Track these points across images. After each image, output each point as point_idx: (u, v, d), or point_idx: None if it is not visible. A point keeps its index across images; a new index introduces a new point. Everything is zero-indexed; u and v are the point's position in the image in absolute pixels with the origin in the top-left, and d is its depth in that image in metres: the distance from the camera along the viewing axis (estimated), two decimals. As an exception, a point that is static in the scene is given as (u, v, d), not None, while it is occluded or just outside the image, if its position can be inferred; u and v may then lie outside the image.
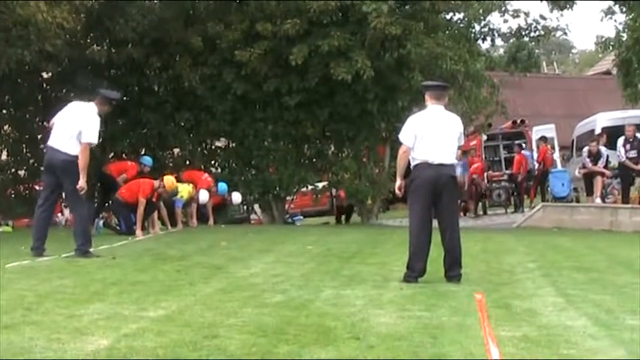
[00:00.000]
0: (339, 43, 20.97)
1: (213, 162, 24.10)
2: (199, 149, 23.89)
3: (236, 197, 21.54)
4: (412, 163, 9.80)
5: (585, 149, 22.78)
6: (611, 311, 7.79)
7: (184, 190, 19.19)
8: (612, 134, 23.42)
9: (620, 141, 21.48)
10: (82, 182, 11.76)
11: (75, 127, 11.84)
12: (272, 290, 8.86)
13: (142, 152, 22.86)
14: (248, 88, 22.35)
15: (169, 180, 18.25)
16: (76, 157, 11.79)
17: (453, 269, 9.68)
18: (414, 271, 9.60)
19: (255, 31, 21.58)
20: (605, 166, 22.02)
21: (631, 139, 21.36)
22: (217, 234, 16.78)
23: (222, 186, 20.83)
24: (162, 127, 22.92)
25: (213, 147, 24.53)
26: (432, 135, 9.67)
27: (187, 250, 13.35)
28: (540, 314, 7.61)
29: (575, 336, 6.56)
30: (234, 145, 23.81)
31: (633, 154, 21.04)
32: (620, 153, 21.33)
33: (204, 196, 19.86)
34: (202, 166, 23.13)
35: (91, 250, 12.26)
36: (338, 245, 14.64)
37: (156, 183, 17.91)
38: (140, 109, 22.91)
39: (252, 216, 25.34)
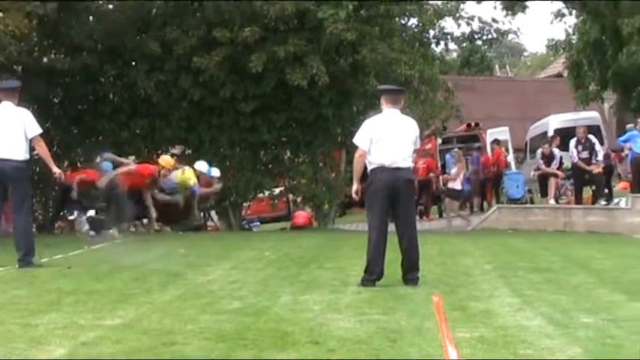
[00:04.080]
0: (294, 49, 21.00)
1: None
2: (155, 157, 23.77)
3: (215, 171, 21.12)
4: (368, 167, 9.84)
5: (539, 151, 23.01)
6: (566, 310, 7.89)
7: (189, 175, 19.08)
8: (565, 136, 23.68)
9: (573, 142, 21.73)
10: (55, 169, 12.02)
11: (16, 130, 11.66)
12: (230, 296, 8.86)
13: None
14: (204, 95, 22.28)
15: (166, 159, 18.12)
16: (25, 162, 11.73)
17: (410, 272, 9.73)
18: (372, 275, 9.64)
19: (212, 37, 21.54)
20: (559, 168, 22.28)
21: (583, 141, 21.61)
22: (174, 241, 16.72)
23: (210, 169, 20.59)
24: (118, 135, 22.76)
25: (169, 154, 24.40)
26: (388, 139, 9.72)
27: (144, 258, 13.27)
28: (497, 315, 7.69)
29: (531, 336, 6.64)
30: (190, 151, 23.71)
31: (585, 155, 21.29)
32: (573, 154, 21.57)
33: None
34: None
35: (34, 260, 12.01)
36: (295, 250, 14.64)
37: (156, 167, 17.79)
38: (95, 118, 22.74)
39: (209, 223, 25.26)
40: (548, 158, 22.32)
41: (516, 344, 6.32)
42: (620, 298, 8.87)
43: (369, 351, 6.03)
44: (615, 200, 21.61)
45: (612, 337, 6.58)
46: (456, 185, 23.40)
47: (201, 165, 20.28)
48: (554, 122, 28.88)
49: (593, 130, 24.62)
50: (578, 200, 21.57)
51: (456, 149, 25.81)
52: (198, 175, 19.77)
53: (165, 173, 17.81)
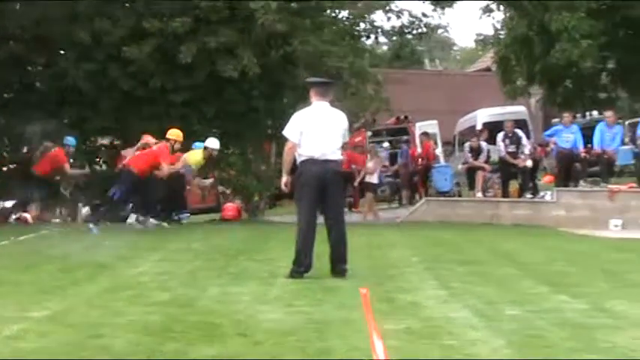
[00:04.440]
0: (225, 40, 20.92)
1: (97, 159, 23.74)
2: (83, 147, 23.50)
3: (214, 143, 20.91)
4: (298, 159, 9.88)
5: (467, 144, 23.26)
6: (492, 302, 8.02)
7: (191, 157, 19.00)
8: (492, 130, 23.98)
9: (500, 136, 22.02)
10: None
11: None
12: (158, 288, 8.83)
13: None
14: (134, 85, 22.07)
15: (175, 132, 17.98)
16: None
17: (338, 264, 9.80)
18: (300, 267, 9.68)
19: (141, 27, 21.34)
20: (486, 161, 22.54)
21: (510, 135, 21.90)
22: (102, 232, 16.55)
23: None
24: (45, 124, 22.44)
25: (97, 144, 24.17)
26: (317, 131, 9.77)
27: (72, 249, 13.15)
28: (423, 307, 7.79)
29: (457, 327, 6.74)
30: (119, 142, 23.49)
31: (512, 148, 21.57)
32: (500, 148, 21.86)
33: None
34: (87, 164, 22.83)
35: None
36: (224, 242, 14.64)
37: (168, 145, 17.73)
38: (22, 106, 22.39)
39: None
40: (476, 152, 22.58)
41: (442, 336, 6.41)
42: (544, 290, 9.04)
43: (296, 342, 6.07)
44: (541, 194, 21.94)
45: (536, 329, 6.71)
46: (373, 179, 23.52)
47: (213, 142, 20.22)
48: (482, 116, 29.25)
49: (520, 124, 24.99)
50: (505, 193, 21.85)
51: (372, 144, 25.95)
52: (211, 153, 19.89)
53: (178, 147, 17.75)
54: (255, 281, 9.44)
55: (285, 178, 10.18)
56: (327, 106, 10.03)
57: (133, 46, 21.13)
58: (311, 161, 9.74)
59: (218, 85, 22.15)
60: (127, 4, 22.29)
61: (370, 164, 23.79)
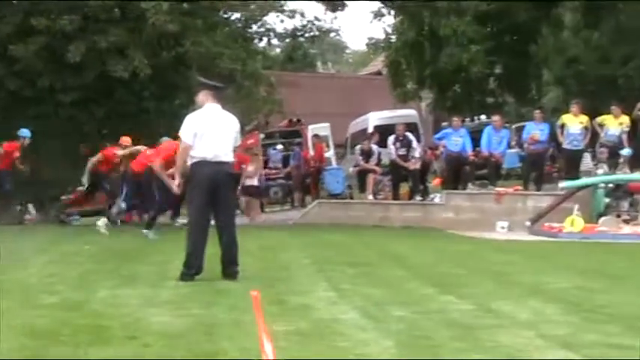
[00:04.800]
0: (116, 39, 20.68)
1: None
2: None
3: None
4: (190, 161, 9.84)
5: (358, 147, 23.48)
6: (381, 304, 8.13)
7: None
8: (383, 132, 24.26)
9: (391, 139, 22.31)
10: None
11: None
12: (47, 291, 8.70)
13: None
14: (21, 84, 21.64)
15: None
16: None
17: (229, 267, 9.80)
18: (191, 269, 9.65)
19: (29, 25, 20.92)
20: (377, 164, 22.78)
21: (401, 138, 22.21)
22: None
23: None
24: None
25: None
26: (211, 133, 9.76)
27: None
28: (314, 309, 7.85)
29: (346, 328, 6.82)
30: (4, 142, 22.97)
31: (403, 151, 21.87)
32: (391, 151, 22.15)
33: None
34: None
35: None
36: (116, 245, 14.48)
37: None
38: None
39: (27, 216, 24.55)
40: (367, 154, 22.81)
41: (331, 337, 6.48)
42: (431, 291, 9.20)
43: (186, 345, 6.06)
44: (430, 196, 22.30)
45: (423, 329, 6.83)
46: (253, 182, 23.54)
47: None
48: (373, 119, 29.53)
49: (411, 127, 25.33)
50: (396, 196, 22.13)
51: (253, 148, 25.90)
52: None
53: None
54: (146, 284, 9.37)
55: (177, 180, 10.13)
56: (219, 109, 10.03)
57: (19, 45, 20.73)
58: (203, 163, 9.72)
59: (108, 86, 21.89)
60: (13, 1, 21.84)
61: (250, 168, 23.68)
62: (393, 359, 5.82)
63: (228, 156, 9.92)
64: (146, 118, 22.79)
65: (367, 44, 31.06)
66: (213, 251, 9.90)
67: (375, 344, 6.22)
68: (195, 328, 6.69)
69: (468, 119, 27.37)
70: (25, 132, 20.74)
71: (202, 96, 10.09)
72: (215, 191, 9.73)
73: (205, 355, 5.78)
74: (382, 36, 29.57)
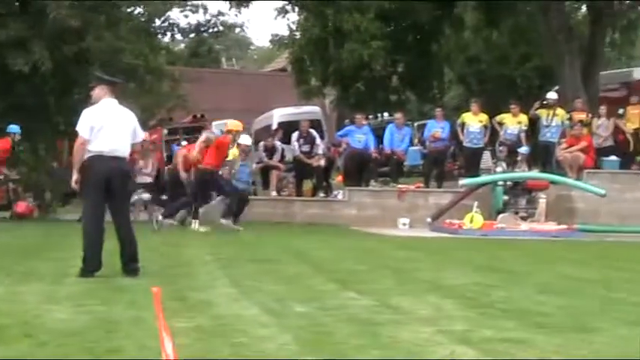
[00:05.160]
0: (16, 33, 20.27)
1: None
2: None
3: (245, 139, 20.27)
4: (86, 156, 9.70)
5: (261, 144, 23.47)
6: (282, 300, 8.16)
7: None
8: (287, 129, 24.31)
9: (295, 136, 22.38)
10: None
11: None
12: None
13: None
14: None
15: (234, 123, 17.95)
16: None
17: (130, 263, 9.71)
18: (90, 266, 9.54)
19: None
20: (281, 160, 22.81)
21: (305, 134, 22.29)
22: None
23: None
24: None
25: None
26: (108, 128, 9.66)
27: None
28: (215, 305, 7.84)
29: (246, 325, 6.83)
30: None
31: (306, 148, 21.95)
32: (295, 147, 22.22)
33: None
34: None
35: None
36: (14, 241, 14.24)
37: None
38: None
39: None
40: (271, 151, 22.82)
41: (232, 333, 6.48)
42: (332, 287, 9.28)
43: (84, 343, 5.99)
44: (334, 193, 22.43)
45: (323, 325, 6.88)
46: (147, 178, 23.32)
47: (246, 139, 19.77)
48: (277, 116, 29.55)
49: (315, 124, 25.43)
50: (299, 192, 22.20)
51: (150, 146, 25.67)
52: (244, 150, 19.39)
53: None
54: (45, 281, 9.23)
55: (75, 176, 9.99)
56: (115, 104, 9.94)
57: None
58: (99, 157, 9.61)
59: (8, 80, 21.42)
60: None
61: (142, 163, 23.38)
62: (294, 358, 5.83)
63: (124, 152, 9.83)
64: (47, 113, 22.37)
65: (271, 41, 30.99)
66: (114, 247, 9.80)
67: (274, 340, 6.24)
68: (94, 326, 6.62)
69: (371, 117, 27.61)
70: (14, 128, 20.73)
71: (99, 91, 9.97)
72: (110, 187, 9.63)
73: (103, 354, 5.72)
74: (287, 33, 29.57)
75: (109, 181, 9.62)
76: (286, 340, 6.26)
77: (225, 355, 5.78)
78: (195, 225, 17.52)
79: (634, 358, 5.96)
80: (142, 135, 10.31)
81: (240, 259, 12.04)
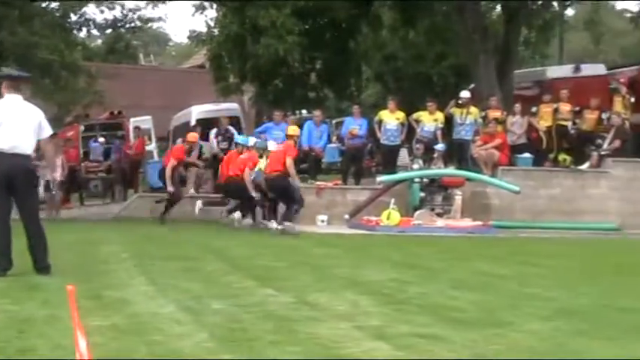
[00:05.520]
0: None
1: None
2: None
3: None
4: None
5: (179, 141, 23.30)
6: (199, 297, 8.14)
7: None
8: (206, 126, 24.19)
9: (213, 133, 22.30)
10: None
11: None
12: None
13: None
14: None
15: (294, 128, 18.95)
16: None
17: (40, 261, 9.57)
18: (0, 265, 9.37)
19: None
20: (199, 157, 22.68)
21: (223, 131, 22.24)
22: None
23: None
24: None
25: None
26: (9, 124, 9.47)
27: None
28: (131, 303, 7.79)
29: (162, 322, 6.80)
30: None
31: (225, 145, 21.88)
32: (213, 144, 22.13)
33: None
34: None
35: None
36: None
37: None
38: None
39: None
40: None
41: (148, 331, 6.45)
42: (250, 284, 9.28)
43: (-4, 343, 5.91)
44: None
45: (240, 322, 6.88)
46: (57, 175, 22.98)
47: (272, 144, 19.36)
48: (196, 112, 29.37)
49: (234, 121, 25.35)
50: (218, 190, 22.08)
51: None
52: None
53: None
54: (-46, 281, 9.06)
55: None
56: (20, 100, 9.76)
57: None
58: (0, 155, 9.43)
59: None
60: None
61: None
62: (210, 358, 5.83)
63: (26, 148, 9.62)
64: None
65: (189, 37, 30.80)
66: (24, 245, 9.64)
67: (190, 338, 6.22)
68: (6, 325, 6.52)
69: (290, 113, 27.60)
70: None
71: (3, 87, 9.78)
72: (13, 185, 9.46)
73: (15, 354, 5.64)
74: (205, 29, 29.43)
75: (11, 178, 9.43)
76: (202, 337, 6.25)
77: (141, 353, 5.74)
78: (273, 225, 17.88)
79: (546, 359, 6.09)
80: (49, 131, 10.09)
81: (158, 256, 11.96)
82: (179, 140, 21.02)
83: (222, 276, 9.98)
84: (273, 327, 6.72)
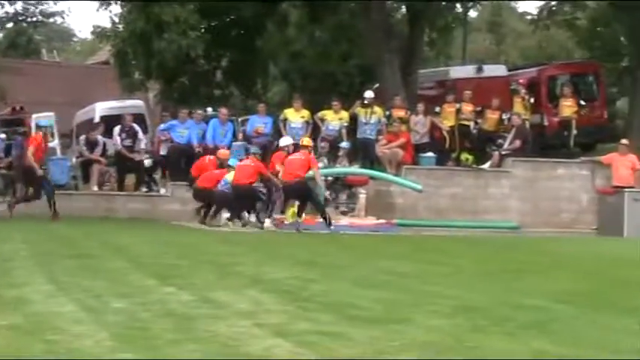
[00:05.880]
0: None
1: None
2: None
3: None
4: None
5: (82, 137, 23.05)
6: (100, 296, 8.06)
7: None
8: (110, 123, 23.94)
9: (117, 130, 22.11)
10: None
11: None
12: None
13: None
14: None
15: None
16: None
17: None
18: None
19: None
20: (103, 155, 22.44)
21: (127, 128, 22.05)
22: None
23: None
24: None
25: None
26: None
27: None
28: (30, 302, 7.67)
29: (62, 322, 6.71)
30: None
31: (128, 142, 21.69)
32: (117, 141, 21.94)
33: None
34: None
35: None
36: None
37: None
38: None
39: None
40: (92, 145, 22.43)
41: (47, 331, 6.35)
42: (152, 282, 9.22)
43: None
44: (157, 188, 22.24)
45: (140, 321, 6.83)
46: None
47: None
48: (100, 109, 29.04)
49: (139, 118, 25.14)
50: (121, 187, 21.92)
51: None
52: None
53: None
54: None
55: None
56: None
57: None
58: None
59: None
60: None
61: None
62: (120, 358, 5.78)
63: None
64: None
65: (93, 33, 30.43)
66: None
67: (90, 337, 6.15)
68: None
69: (201, 111, 27.48)
70: (44, 121, 21.21)
71: None
72: None
73: None
74: (109, 25, 29.13)
75: None
76: (102, 336, 6.19)
77: (38, 353, 5.67)
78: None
79: None
80: None
81: (59, 254, 11.81)
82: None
83: (124, 274, 9.90)
84: (173, 325, 6.69)
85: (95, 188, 21.87)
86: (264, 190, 19.17)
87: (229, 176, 18.96)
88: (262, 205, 19.23)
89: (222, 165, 20.00)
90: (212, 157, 20.46)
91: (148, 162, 21.21)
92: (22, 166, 27.07)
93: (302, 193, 18.70)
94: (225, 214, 19.20)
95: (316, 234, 17.53)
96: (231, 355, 5.73)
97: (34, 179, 19.78)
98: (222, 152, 20.52)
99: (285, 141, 20.57)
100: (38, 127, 27.73)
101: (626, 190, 20.52)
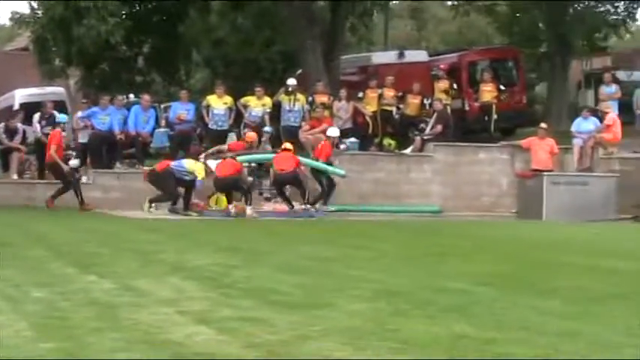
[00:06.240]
0: None
1: None
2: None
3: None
4: None
5: (1, 125, 22.66)
6: (19, 285, 7.98)
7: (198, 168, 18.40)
8: (30, 110, 23.58)
9: (36, 117, 21.82)
10: None
11: None
12: None
13: None
14: None
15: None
16: None
17: None
18: None
19: None
20: (22, 142, 22.10)
21: (47, 115, 21.76)
22: None
23: None
24: None
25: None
26: None
27: None
28: (-54, 293, 7.55)
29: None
30: None
31: (48, 130, 21.39)
32: (37, 129, 21.66)
33: None
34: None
35: None
36: None
37: None
38: None
39: None
40: (12, 132, 22.07)
41: (-36, 322, 6.29)
42: (73, 271, 9.16)
43: None
44: (77, 175, 21.96)
45: (61, 310, 6.78)
46: None
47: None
48: (19, 96, 28.62)
49: (60, 105, 24.81)
50: (42, 175, 21.64)
51: None
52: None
53: None
54: None
55: None
56: None
57: None
58: None
59: None
60: None
61: None
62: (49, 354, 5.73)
63: None
64: None
65: (11, 19, 29.90)
66: None
67: (9, 327, 6.08)
68: None
69: (123, 97, 27.23)
70: (62, 117, 20.77)
71: None
72: None
73: None
74: (28, 11, 28.64)
75: None
76: (22, 326, 6.13)
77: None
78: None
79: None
80: None
81: (-24, 244, 11.63)
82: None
83: (44, 263, 9.81)
84: (94, 314, 6.66)
85: (15, 177, 21.54)
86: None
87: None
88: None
89: (252, 147, 20.40)
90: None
91: (74, 162, 20.82)
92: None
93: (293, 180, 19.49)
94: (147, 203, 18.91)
95: (239, 220, 17.52)
96: (153, 343, 5.72)
97: None
98: (250, 135, 20.64)
99: (333, 132, 20.64)
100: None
101: (545, 173, 20.84)
